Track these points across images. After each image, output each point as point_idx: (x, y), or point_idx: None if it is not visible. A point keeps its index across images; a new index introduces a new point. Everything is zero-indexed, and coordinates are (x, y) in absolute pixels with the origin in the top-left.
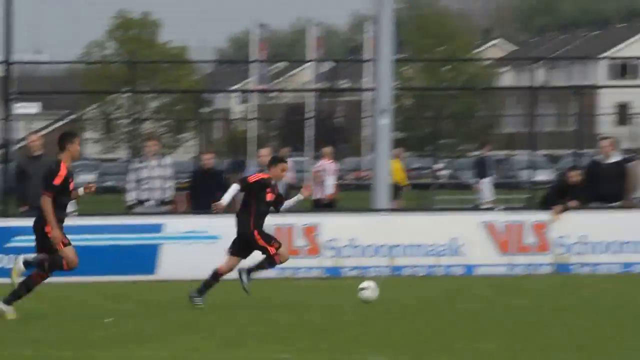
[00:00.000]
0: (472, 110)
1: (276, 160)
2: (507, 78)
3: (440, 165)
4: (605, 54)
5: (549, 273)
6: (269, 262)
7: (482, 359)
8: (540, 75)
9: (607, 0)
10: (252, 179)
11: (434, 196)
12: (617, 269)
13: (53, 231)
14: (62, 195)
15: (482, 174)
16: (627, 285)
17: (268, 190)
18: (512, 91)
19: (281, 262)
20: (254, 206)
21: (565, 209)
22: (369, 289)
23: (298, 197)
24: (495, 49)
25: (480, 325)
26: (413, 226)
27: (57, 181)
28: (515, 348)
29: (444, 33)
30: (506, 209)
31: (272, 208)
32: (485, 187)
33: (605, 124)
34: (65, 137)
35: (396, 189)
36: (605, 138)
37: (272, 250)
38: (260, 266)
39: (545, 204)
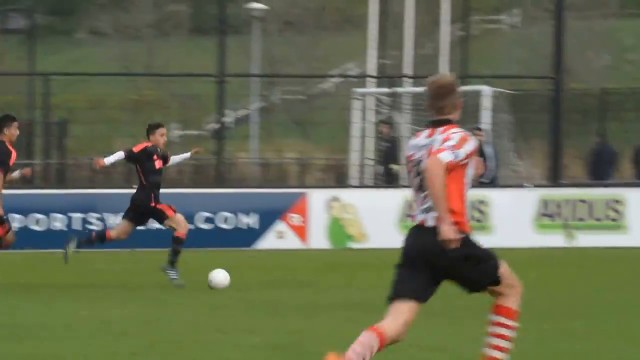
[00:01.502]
0: None
1: (153, 127)
2: None
3: None
4: None
5: None
6: (177, 242)
7: None
8: None
9: None
10: (137, 149)
11: None
12: None
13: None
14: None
15: None
16: None
17: (155, 157)
18: None
19: (184, 235)
20: (145, 177)
21: None
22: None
23: (184, 155)
24: None
25: None
26: None
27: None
28: None
29: None
30: None
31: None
32: None
33: None
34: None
35: None
36: None
37: (169, 212)
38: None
39: None
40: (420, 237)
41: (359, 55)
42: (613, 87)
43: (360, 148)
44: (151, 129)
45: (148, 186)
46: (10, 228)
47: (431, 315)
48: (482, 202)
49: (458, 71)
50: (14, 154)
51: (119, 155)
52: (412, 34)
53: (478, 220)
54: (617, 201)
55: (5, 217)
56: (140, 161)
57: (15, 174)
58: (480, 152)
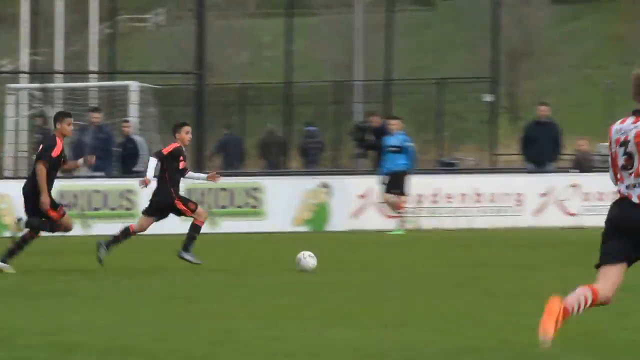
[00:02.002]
0: None
1: (179, 126)
2: None
3: None
4: None
5: None
6: (193, 229)
7: None
8: None
9: None
10: (166, 150)
11: None
12: None
13: (43, 197)
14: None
15: None
16: None
17: (181, 158)
18: None
19: (203, 223)
20: (169, 175)
21: None
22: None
23: (202, 176)
24: None
25: None
26: None
27: (55, 154)
28: None
29: None
30: None
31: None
32: None
33: None
34: (55, 116)
35: None
36: None
37: (188, 212)
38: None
39: None
40: (626, 211)
41: (12, 52)
42: (251, 82)
43: (15, 141)
44: (177, 127)
45: (170, 184)
46: (64, 212)
47: (90, 299)
48: (130, 190)
49: (106, 67)
50: (57, 147)
51: (153, 162)
52: (63, 32)
53: (127, 209)
54: (255, 189)
55: (58, 202)
56: (167, 161)
57: (80, 160)
58: (129, 143)
